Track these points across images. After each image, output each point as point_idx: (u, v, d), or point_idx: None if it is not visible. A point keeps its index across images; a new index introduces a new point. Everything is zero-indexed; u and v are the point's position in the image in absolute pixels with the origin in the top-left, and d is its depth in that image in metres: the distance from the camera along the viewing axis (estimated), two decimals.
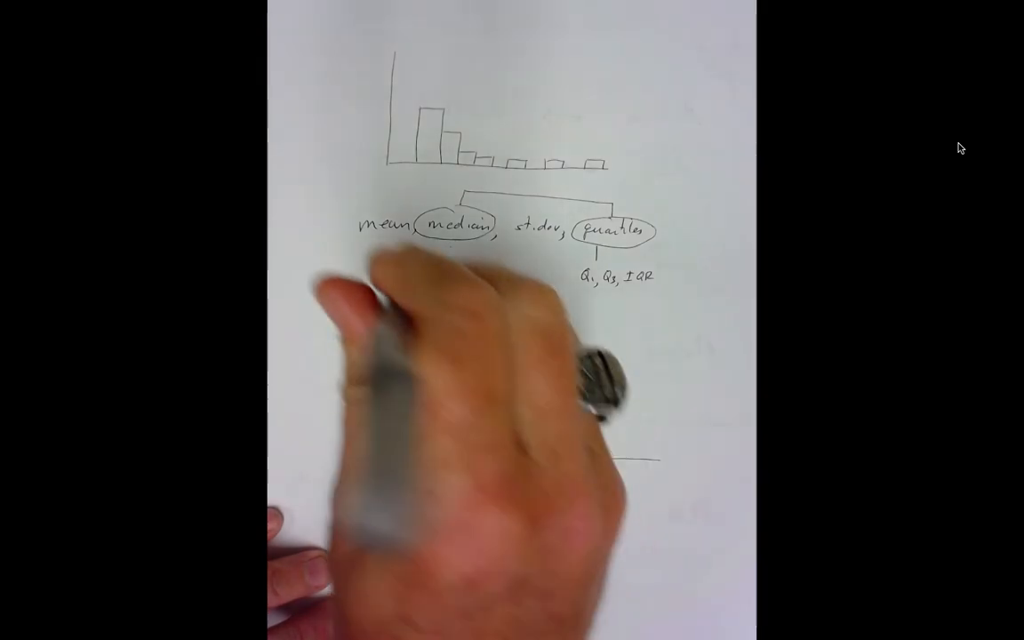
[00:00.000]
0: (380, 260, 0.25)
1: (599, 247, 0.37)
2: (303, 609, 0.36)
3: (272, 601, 0.34)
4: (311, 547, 0.37)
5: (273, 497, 0.36)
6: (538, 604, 0.22)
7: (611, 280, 0.37)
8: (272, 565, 0.35)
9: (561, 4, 0.36)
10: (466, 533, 0.20)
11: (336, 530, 0.24)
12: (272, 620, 0.36)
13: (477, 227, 0.36)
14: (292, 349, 0.36)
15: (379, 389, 0.22)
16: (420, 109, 0.36)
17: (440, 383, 0.20)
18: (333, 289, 0.24)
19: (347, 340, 0.24)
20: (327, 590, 0.37)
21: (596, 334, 0.37)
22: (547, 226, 0.37)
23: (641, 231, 0.37)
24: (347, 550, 0.23)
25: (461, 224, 0.36)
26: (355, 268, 0.36)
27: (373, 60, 0.36)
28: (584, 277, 0.37)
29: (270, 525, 0.36)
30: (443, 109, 0.36)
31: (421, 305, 0.22)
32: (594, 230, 0.37)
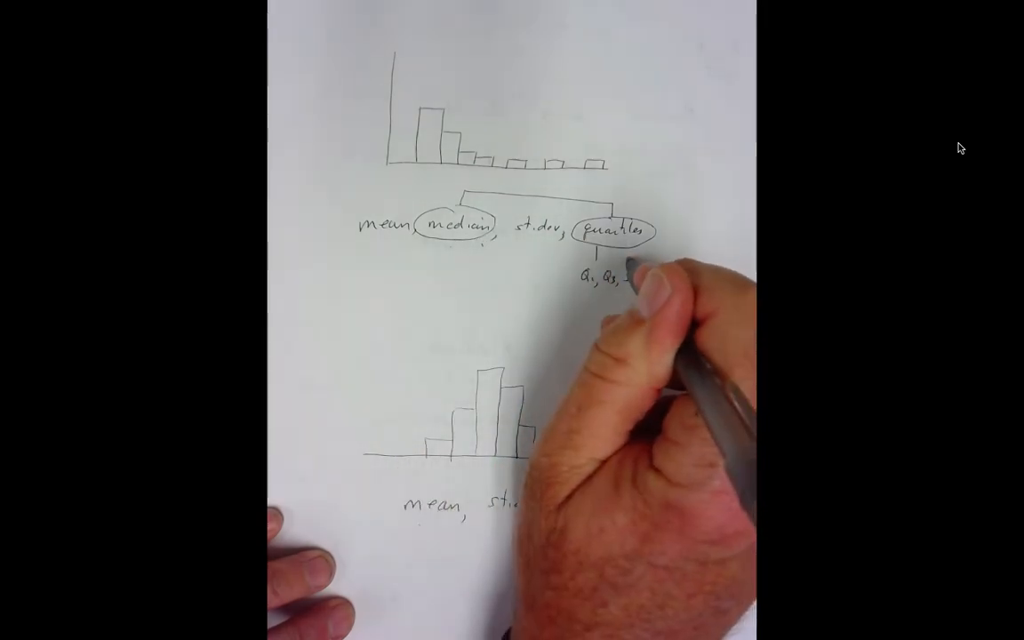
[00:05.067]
0: (690, 270, 0.29)
1: (599, 247, 0.37)
2: (303, 609, 0.36)
3: (272, 601, 0.34)
4: (311, 547, 0.37)
5: (273, 497, 0.36)
6: (747, 570, 0.26)
7: (611, 280, 0.37)
8: (272, 565, 0.35)
9: (561, 4, 0.36)
10: (732, 495, 0.23)
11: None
12: (272, 620, 0.36)
13: (477, 227, 0.36)
14: (292, 349, 0.36)
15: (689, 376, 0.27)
16: (420, 109, 0.36)
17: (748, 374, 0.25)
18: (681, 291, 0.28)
19: (660, 337, 0.27)
20: (327, 590, 0.37)
21: (596, 334, 0.37)
22: (547, 226, 0.37)
23: (641, 231, 0.37)
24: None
25: (461, 224, 0.36)
26: (354, 268, 0.36)
27: (373, 60, 0.36)
28: (584, 277, 0.37)
29: (270, 525, 0.36)
30: (443, 109, 0.36)
31: (723, 306, 0.27)
32: (594, 230, 0.37)
